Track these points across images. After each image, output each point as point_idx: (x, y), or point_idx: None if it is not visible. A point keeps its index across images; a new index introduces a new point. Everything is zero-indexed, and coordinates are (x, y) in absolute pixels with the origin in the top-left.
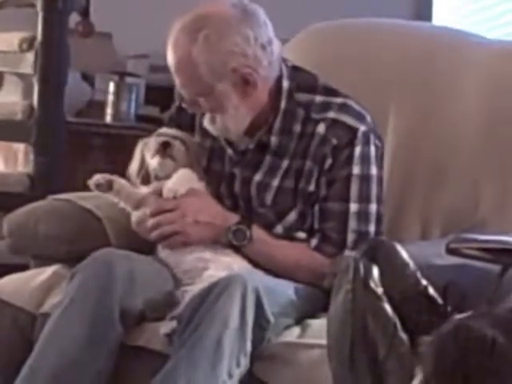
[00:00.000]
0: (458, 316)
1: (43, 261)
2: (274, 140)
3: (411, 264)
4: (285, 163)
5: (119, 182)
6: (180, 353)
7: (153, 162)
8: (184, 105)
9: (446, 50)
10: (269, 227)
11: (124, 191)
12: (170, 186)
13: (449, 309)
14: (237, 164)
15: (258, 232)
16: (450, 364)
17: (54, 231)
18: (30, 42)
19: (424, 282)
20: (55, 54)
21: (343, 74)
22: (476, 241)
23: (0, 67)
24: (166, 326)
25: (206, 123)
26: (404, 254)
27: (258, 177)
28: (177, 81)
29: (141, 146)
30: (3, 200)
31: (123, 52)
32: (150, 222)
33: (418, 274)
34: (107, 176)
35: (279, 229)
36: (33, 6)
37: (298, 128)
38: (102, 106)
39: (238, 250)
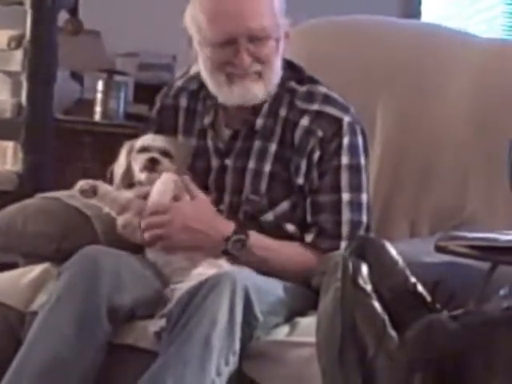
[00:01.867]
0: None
1: (32, 259)
2: (259, 122)
3: (400, 261)
4: (273, 147)
5: (103, 187)
6: (169, 351)
7: (140, 175)
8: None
9: (434, 47)
10: (259, 214)
11: (108, 196)
12: (155, 197)
13: (438, 306)
14: (228, 154)
15: (255, 238)
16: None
17: (42, 229)
18: (19, 40)
19: (413, 280)
20: (44, 52)
21: (331, 72)
22: (465, 238)
23: None
24: (155, 325)
25: (219, 90)
26: (393, 252)
27: (251, 164)
28: (242, 13)
29: (126, 149)
30: None
31: (112, 50)
32: (143, 222)
33: (407, 272)
34: (91, 182)
35: (270, 216)
36: (21, 4)
37: (283, 112)
38: (90, 104)
39: (234, 258)
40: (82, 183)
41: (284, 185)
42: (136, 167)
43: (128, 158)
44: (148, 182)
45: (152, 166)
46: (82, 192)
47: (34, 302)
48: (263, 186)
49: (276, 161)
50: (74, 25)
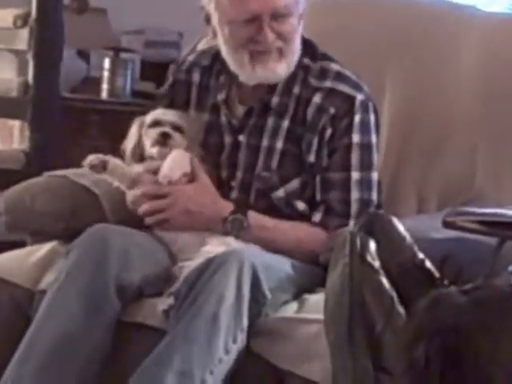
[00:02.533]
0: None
1: (40, 237)
2: (275, 100)
3: (408, 237)
4: (285, 123)
5: (113, 161)
6: (176, 328)
7: (152, 150)
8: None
9: (441, 21)
10: (270, 191)
11: (118, 171)
12: (165, 172)
13: (446, 282)
14: (241, 131)
15: (254, 218)
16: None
17: (50, 208)
18: (25, 19)
19: (421, 256)
20: (50, 31)
21: (340, 45)
22: (473, 214)
23: None
24: (163, 303)
25: (241, 69)
26: (401, 228)
27: (265, 142)
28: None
29: (137, 124)
30: None
31: (118, 28)
32: (142, 208)
33: (415, 248)
34: (101, 156)
35: (281, 192)
36: None
37: (297, 90)
38: (97, 82)
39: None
40: (91, 158)
41: (295, 162)
42: (147, 142)
43: (139, 132)
44: (159, 156)
45: (164, 140)
46: (92, 167)
47: (42, 280)
48: (274, 162)
49: (288, 138)
50: (80, 3)
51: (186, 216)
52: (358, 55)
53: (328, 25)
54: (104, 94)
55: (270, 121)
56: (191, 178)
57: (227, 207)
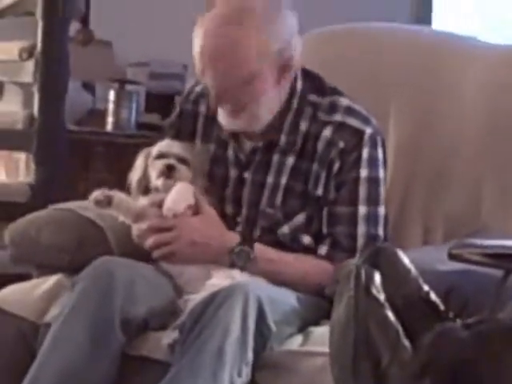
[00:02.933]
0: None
1: (45, 270)
2: (283, 139)
3: (413, 270)
4: (290, 160)
5: (118, 196)
6: (182, 361)
7: (157, 182)
8: (211, 100)
9: (445, 53)
10: (275, 227)
11: (123, 206)
12: (170, 205)
13: (451, 314)
14: (247, 167)
15: (261, 251)
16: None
17: (55, 241)
18: (30, 51)
19: (426, 288)
20: (55, 63)
21: (344, 78)
22: (478, 246)
23: (0, 76)
24: (168, 336)
25: (224, 119)
26: (406, 260)
27: (270, 179)
28: (214, 71)
29: (143, 156)
30: (4, 209)
31: (123, 60)
32: (148, 242)
33: (420, 280)
34: (106, 191)
35: (286, 229)
36: (32, 14)
37: (304, 126)
38: (102, 114)
39: (241, 270)
40: (96, 193)
41: (299, 197)
42: (153, 173)
43: (145, 164)
44: (164, 188)
45: (169, 172)
46: (97, 202)
47: (47, 313)
48: (278, 199)
49: (292, 174)
50: (85, 35)
51: (192, 248)
52: (359, 87)
53: (332, 56)
54: (109, 127)
55: (276, 157)
56: (196, 210)
57: (234, 239)
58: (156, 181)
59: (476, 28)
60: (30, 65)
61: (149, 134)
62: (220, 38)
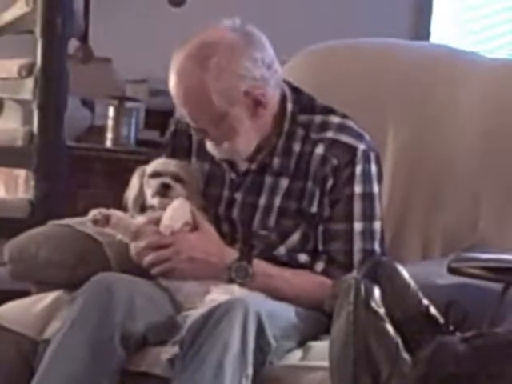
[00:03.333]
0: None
1: (44, 286)
2: (276, 161)
3: (412, 284)
4: (284, 182)
5: (116, 215)
6: (182, 376)
7: (152, 200)
8: (192, 131)
9: (443, 68)
10: (271, 249)
11: (121, 224)
12: (167, 222)
13: (451, 328)
14: (238, 188)
15: (259, 266)
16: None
17: (54, 257)
18: (30, 69)
19: (425, 302)
20: (55, 80)
21: (341, 95)
22: (477, 260)
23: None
24: (167, 352)
25: (210, 147)
26: (405, 274)
27: (262, 201)
28: (185, 111)
29: (138, 174)
30: (4, 226)
31: (123, 77)
32: (146, 259)
33: (420, 294)
34: (103, 211)
35: (282, 250)
36: (32, 32)
37: (297, 147)
38: (102, 130)
39: (240, 285)
40: (94, 212)
41: (293, 216)
42: (148, 192)
43: (140, 182)
44: (160, 206)
45: (164, 191)
46: (95, 222)
47: (46, 329)
48: (272, 220)
49: (286, 195)
50: (85, 52)
51: (191, 264)
52: (357, 102)
53: (326, 70)
54: (108, 143)
55: (269, 179)
56: (193, 227)
57: (232, 254)
58: (152, 199)
59: (473, 41)
60: (29, 82)
61: (148, 150)
62: (183, 82)
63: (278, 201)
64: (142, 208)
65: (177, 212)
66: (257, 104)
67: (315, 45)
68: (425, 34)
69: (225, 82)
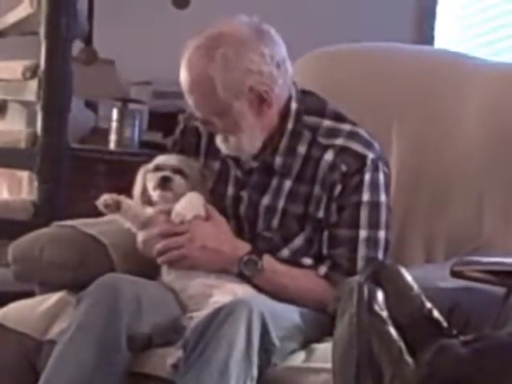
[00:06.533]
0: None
1: (48, 287)
2: (278, 160)
3: (415, 287)
4: (287, 184)
5: (126, 202)
6: (186, 378)
7: (154, 194)
8: (198, 123)
9: (447, 72)
10: (274, 251)
11: (131, 211)
12: (178, 210)
13: (453, 331)
14: (244, 186)
15: (269, 262)
16: None
17: (58, 258)
18: (34, 70)
19: (428, 305)
20: (58, 82)
21: (345, 99)
22: (480, 263)
23: (4, 95)
24: (172, 356)
25: (219, 142)
26: (408, 277)
27: (265, 200)
28: (191, 100)
29: (142, 172)
30: (8, 227)
31: (126, 79)
32: (159, 245)
33: (423, 297)
34: (115, 196)
35: (285, 253)
36: (36, 34)
37: (303, 150)
38: (105, 132)
39: (248, 279)
40: (106, 197)
41: (298, 219)
42: (150, 186)
43: (143, 179)
44: (162, 200)
45: (164, 184)
46: (106, 206)
47: (50, 330)
48: (275, 222)
49: (289, 197)
50: (89, 54)
51: (202, 253)
52: (360, 107)
53: (328, 75)
54: (112, 145)
55: (275, 181)
56: (206, 220)
57: (244, 247)
58: (153, 193)
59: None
60: (33, 84)
61: (152, 152)
62: (190, 71)
63: (281, 203)
64: (149, 205)
65: (190, 203)
66: (261, 101)
67: (319, 49)
68: (429, 38)
69: (230, 74)
